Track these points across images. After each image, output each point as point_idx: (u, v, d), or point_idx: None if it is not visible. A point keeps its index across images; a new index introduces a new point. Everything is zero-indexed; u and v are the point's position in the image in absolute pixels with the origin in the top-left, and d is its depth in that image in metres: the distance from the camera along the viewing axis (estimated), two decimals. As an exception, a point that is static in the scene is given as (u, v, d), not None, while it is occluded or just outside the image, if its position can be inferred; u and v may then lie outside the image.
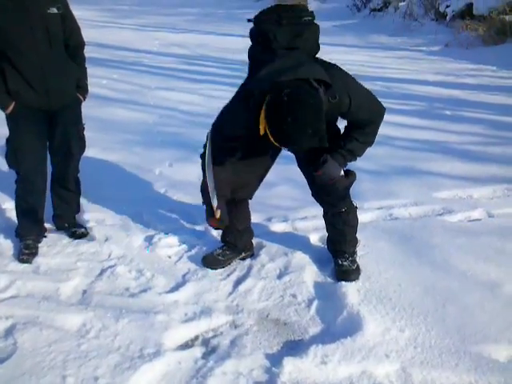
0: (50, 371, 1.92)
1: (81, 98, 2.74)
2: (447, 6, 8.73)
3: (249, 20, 2.23)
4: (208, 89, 6.00)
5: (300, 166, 2.40)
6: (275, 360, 1.97)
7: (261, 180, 2.48)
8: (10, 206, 3.13)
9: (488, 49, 7.13)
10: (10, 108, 2.51)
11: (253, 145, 2.19)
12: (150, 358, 1.97)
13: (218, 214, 2.27)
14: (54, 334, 2.11)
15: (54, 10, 2.48)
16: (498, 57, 6.66)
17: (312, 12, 2.19)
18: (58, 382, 1.87)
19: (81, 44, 2.72)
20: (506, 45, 7.08)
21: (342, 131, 2.29)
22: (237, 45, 8.90)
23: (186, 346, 2.09)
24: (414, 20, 9.27)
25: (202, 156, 2.31)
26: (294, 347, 2.04)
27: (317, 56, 2.20)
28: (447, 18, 8.64)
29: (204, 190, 2.31)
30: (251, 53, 2.23)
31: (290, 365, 1.91)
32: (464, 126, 4.41)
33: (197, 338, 2.13)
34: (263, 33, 2.11)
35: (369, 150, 2.30)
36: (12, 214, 3.04)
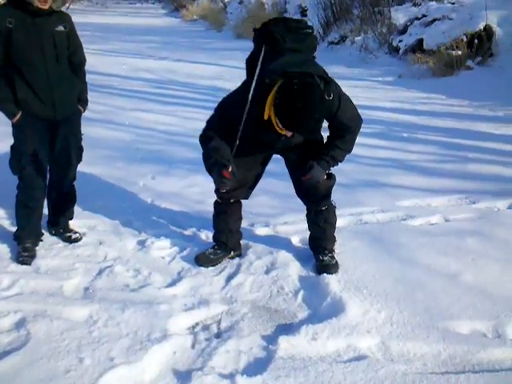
0: (67, 355, 2.09)
1: (81, 109, 2.96)
2: (400, 41, 9.44)
3: (255, 29, 2.51)
4: (181, 111, 6.27)
5: (288, 168, 2.71)
6: (271, 339, 2.22)
7: (256, 181, 2.75)
8: (2, 213, 3.26)
9: (438, 80, 7.79)
10: (18, 117, 2.69)
11: (249, 143, 2.47)
12: (158, 341, 2.17)
13: (229, 168, 2.40)
14: (65, 324, 2.28)
15: (61, 28, 2.72)
16: (446, 87, 7.30)
17: (312, 26, 2.54)
18: (76, 363, 2.04)
19: (83, 60, 2.95)
20: (453, 77, 7.76)
21: (325, 141, 2.62)
22: (202, 71, 9.29)
23: (189, 330, 2.30)
24: (370, 53, 9.92)
25: (203, 133, 2.51)
26: (287, 329, 2.30)
27: None
28: (400, 51, 9.31)
29: (208, 156, 2.47)
30: (252, 55, 2.49)
31: (284, 342, 2.16)
32: (419, 146, 4.87)
33: (198, 324, 2.35)
34: (273, 36, 2.37)
35: (339, 167, 2.64)
36: (5, 220, 3.18)
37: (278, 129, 2.30)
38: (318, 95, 2.22)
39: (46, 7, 2.59)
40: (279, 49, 2.36)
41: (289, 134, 2.32)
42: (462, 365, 2.08)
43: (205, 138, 2.52)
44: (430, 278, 2.63)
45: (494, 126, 5.50)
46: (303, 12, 13.80)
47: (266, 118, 2.29)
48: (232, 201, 2.77)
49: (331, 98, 2.34)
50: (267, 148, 2.60)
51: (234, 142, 2.44)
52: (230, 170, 2.41)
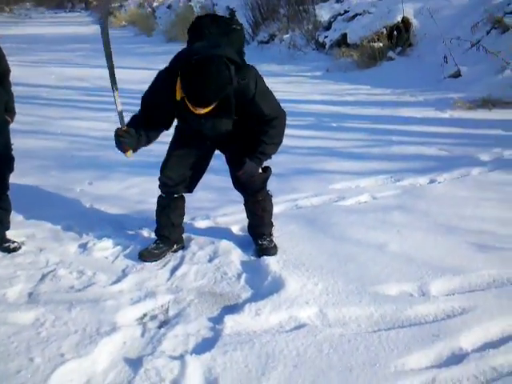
0: (16, 356, 2.11)
1: (9, 119, 2.94)
2: (325, 37, 9.84)
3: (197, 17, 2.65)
4: (114, 116, 6.03)
5: (228, 164, 2.83)
6: (217, 320, 2.34)
7: (199, 175, 2.85)
8: None
9: (362, 71, 8.21)
10: None
11: (189, 135, 2.59)
12: (107, 334, 2.23)
13: (125, 128, 2.58)
14: (11, 328, 2.29)
15: (-18, 40, 2.70)
16: (371, 77, 7.72)
17: (241, 24, 2.65)
18: (26, 362, 2.07)
19: (7, 71, 2.94)
20: (376, 67, 8.22)
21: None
22: (134, 76, 9.21)
23: (137, 321, 2.38)
24: (298, 50, 10.27)
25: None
26: (232, 309, 2.42)
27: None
28: (326, 47, 9.71)
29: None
30: (188, 42, 2.61)
31: (230, 321, 2.29)
32: (348, 134, 5.15)
33: (146, 315, 2.42)
34: (200, 27, 2.52)
35: (273, 158, 2.77)
36: None
37: (191, 108, 2.40)
38: (217, 67, 2.28)
39: None
40: (205, 40, 2.47)
41: (201, 111, 2.40)
42: (392, 322, 2.29)
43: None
44: (361, 250, 2.85)
45: (415, 110, 5.90)
46: (231, 13, 14.02)
47: (178, 98, 2.42)
48: (176, 196, 2.85)
49: (245, 81, 2.43)
50: (203, 140, 2.70)
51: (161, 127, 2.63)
52: (124, 129, 2.58)
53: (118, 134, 2.57)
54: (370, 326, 2.27)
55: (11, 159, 2.98)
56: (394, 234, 3.02)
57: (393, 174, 4.00)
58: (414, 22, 8.58)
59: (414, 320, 2.31)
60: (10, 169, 3.00)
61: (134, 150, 2.66)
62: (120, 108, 2.62)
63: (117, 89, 2.61)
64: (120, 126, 2.60)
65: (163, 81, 2.52)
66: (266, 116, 2.57)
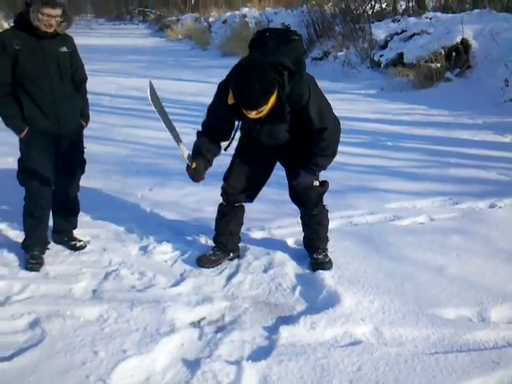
0: (82, 349, 2.22)
1: (84, 124, 3.12)
2: (381, 56, 9.80)
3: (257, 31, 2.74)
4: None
5: (287, 176, 2.89)
6: (272, 330, 2.37)
7: (261, 185, 2.92)
8: (10, 223, 3.38)
9: (418, 92, 8.12)
10: (25, 132, 2.84)
11: (251, 146, 2.69)
12: (167, 334, 2.32)
13: (194, 165, 2.73)
14: (77, 322, 2.41)
15: (65, 49, 2.90)
16: (427, 98, 7.62)
17: (300, 35, 2.69)
18: (91, 356, 2.18)
19: (84, 78, 3.13)
20: (433, 88, 8.10)
21: None
22: (190, 88, 9.52)
23: (195, 325, 2.45)
24: (352, 68, 10.26)
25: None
26: (286, 320, 2.46)
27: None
28: (381, 65, 9.67)
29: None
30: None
31: (285, 332, 2.32)
32: (403, 154, 5.11)
33: (203, 319, 2.50)
34: (260, 39, 2.61)
35: (328, 175, 2.80)
36: (13, 230, 3.30)
37: (245, 112, 2.47)
38: (262, 70, 2.35)
39: (51, 31, 2.77)
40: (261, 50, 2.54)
41: (253, 114, 2.45)
42: (450, 346, 2.26)
43: (196, 135, 2.80)
44: (418, 272, 2.82)
45: (472, 133, 5.78)
46: (286, 30, 14.23)
47: (230, 102, 2.50)
48: (236, 204, 2.93)
49: (299, 87, 2.46)
50: (264, 151, 2.77)
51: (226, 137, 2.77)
52: (193, 166, 2.72)
53: (189, 174, 2.79)
54: (427, 347, 2.25)
55: (83, 162, 3.16)
56: (452, 257, 2.98)
57: (451, 197, 3.93)
58: (474, 43, 8.42)
59: (473, 345, 2.26)
60: (82, 171, 3.18)
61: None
62: (186, 154, 2.77)
63: (181, 141, 2.77)
64: (189, 164, 2.76)
65: (222, 91, 2.63)
66: (316, 126, 2.58)
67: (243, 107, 2.45)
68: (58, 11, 2.71)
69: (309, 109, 2.53)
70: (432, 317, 2.42)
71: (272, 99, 2.44)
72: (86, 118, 3.14)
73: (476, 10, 9.50)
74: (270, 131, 2.63)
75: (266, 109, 2.46)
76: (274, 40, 2.57)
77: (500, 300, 2.55)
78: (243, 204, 2.99)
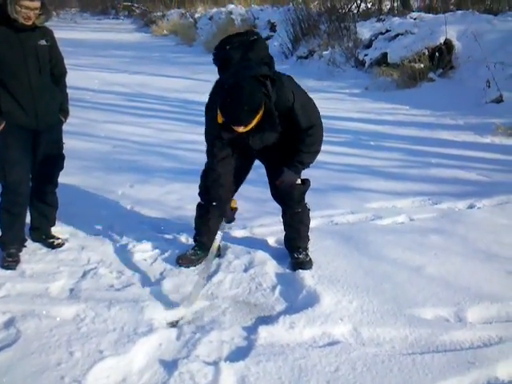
0: (57, 349, 2.19)
1: (63, 119, 3.07)
2: (365, 55, 9.83)
3: (215, 48, 2.71)
4: (155, 123, 6.38)
5: (267, 175, 2.88)
6: (251, 330, 2.37)
7: (238, 185, 2.91)
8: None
9: (402, 91, 8.16)
10: (1, 127, 2.78)
11: (232, 147, 2.66)
12: (144, 334, 2.30)
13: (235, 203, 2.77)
14: (53, 322, 2.38)
15: (44, 43, 2.85)
16: (410, 98, 7.66)
17: (258, 33, 2.72)
18: (66, 356, 2.15)
19: (64, 72, 3.08)
20: (416, 88, 8.14)
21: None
22: (175, 85, 9.45)
23: (173, 325, 2.43)
24: (337, 67, 10.27)
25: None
26: (266, 320, 2.45)
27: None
28: (366, 65, 9.70)
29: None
30: (219, 73, 2.71)
31: (264, 332, 2.31)
32: (385, 153, 5.13)
33: (182, 318, 2.48)
34: (222, 56, 2.61)
35: (309, 173, 2.81)
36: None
37: (234, 128, 2.47)
38: (248, 88, 2.37)
39: (29, 23, 2.71)
40: (230, 65, 2.56)
41: (242, 129, 2.47)
42: (427, 346, 2.27)
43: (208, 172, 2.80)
44: (397, 271, 2.84)
45: (454, 133, 5.83)
46: (272, 27, 14.19)
47: (220, 121, 2.50)
48: (214, 203, 2.91)
49: (283, 92, 2.49)
50: (246, 151, 2.76)
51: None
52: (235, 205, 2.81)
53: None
54: (404, 348, 2.26)
55: (62, 157, 3.11)
56: (431, 257, 3.00)
57: (430, 197, 3.97)
58: (457, 44, 8.50)
59: (450, 346, 2.28)
60: (61, 167, 3.13)
61: None
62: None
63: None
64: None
65: (210, 112, 2.61)
66: (303, 123, 2.61)
67: (232, 125, 2.47)
68: (37, 3, 2.66)
69: (295, 110, 2.57)
70: (410, 317, 2.43)
71: (261, 112, 2.46)
72: (66, 113, 3.09)
73: (460, 11, 9.59)
74: (261, 138, 2.63)
75: (255, 121, 2.47)
76: (238, 49, 2.57)
77: (477, 300, 2.57)
78: None
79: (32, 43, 2.78)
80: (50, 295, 2.63)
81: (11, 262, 2.88)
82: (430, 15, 9.95)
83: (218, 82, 2.64)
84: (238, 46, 2.59)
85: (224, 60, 2.62)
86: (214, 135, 2.65)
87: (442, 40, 8.47)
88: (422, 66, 8.35)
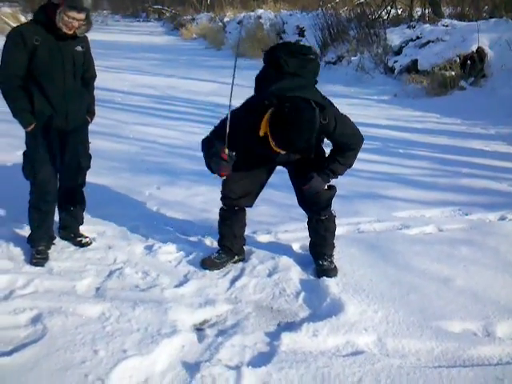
0: (82, 347, 2.22)
1: (89, 120, 3.13)
2: (395, 62, 9.73)
3: (263, 50, 2.71)
4: (183, 125, 6.44)
5: (291, 178, 2.87)
6: (274, 336, 2.35)
7: (260, 190, 2.91)
8: (16, 217, 3.39)
9: (431, 99, 8.04)
10: (32, 126, 2.85)
11: (253, 154, 2.64)
12: (167, 336, 2.30)
13: (225, 150, 2.51)
14: (79, 320, 2.41)
15: (80, 49, 2.92)
16: (440, 106, 7.55)
17: (316, 53, 2.72)
18: (91, 355, 2.17)
19: (94, 76, 3.14)
20: (446, 96, 8.02)
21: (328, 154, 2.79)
22: (203, 88, 9.52)
23: (196, 327, 2.43)
24: (366, 73, 10.19)
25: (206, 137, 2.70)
26: (289, 326, 2.43)
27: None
28: (395, 71, 9.60)
29: (208, 154, 2.61)
30: (261, 75, 2.68)
31: (287, 338, 2.30)
32: (414, 162, 5.06)
33: (205, 321, 2.48)
34: (277, 59, 2.56)
35: (338, 179, 2.79)
36: (19, 224, 3.31)
37: (273, 146, 2.47)
38: (310, 119, 2.37)
39: (71, 32, 2.79)
40: (282, 72, 2.53)
41: (282, 152, 2.49)
42: (454, 360, 2.22)
43: (207, 141, 2.68)
44: (424, 282, 2.78)
45: (485, 143, 5.71)
46: (301, 32, 14.18)
47: (261, 134, 2.48)
48: (237, 208, 2.92)
49: (326, 121, 2.50)
50: (270, 160, 2.76)
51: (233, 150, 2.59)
52: (226, 151, 2.53)
53: (222, 157, 2.53)
54: (430, 361, 2.21)
55: (89, 157, 3.16)
56: (460, 269, 2.93)
57: (460, 207, 3.88)
58: (490, 52, 8.33)
59: (477, 360, 2.22)
60: (87, 166, 3.18)
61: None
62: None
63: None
64: (224, 146, 2.54)
65: (248, 115, 2.56)
66: (344, 144, 2.65)
67: (282, 148, 2.46)
68: (83, 15, 2.75)
69: (337, 134, 2.60)
70: (436, 329, 2.38)
71: None
72: (92, 114, 3.15)
73: (493, 19, 9.39)
74: (289, 157, 2.63)
75: None
76: (293, 61, 2.53)
77: (506, 315, 2.50)
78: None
79: (70, 49, 2.86)
80: (76, 293, 2.67)
81: (40, 259, 2.93)
82: (462, 23, 9.80)
83: (267, 92, 2.50)
84: (296, 56, 2.56)
85: (276, 62, 2.56)
86: (243, 145, 2.62)
87: (474, 48, 8.32)
88: (453, 73, 8.22)
